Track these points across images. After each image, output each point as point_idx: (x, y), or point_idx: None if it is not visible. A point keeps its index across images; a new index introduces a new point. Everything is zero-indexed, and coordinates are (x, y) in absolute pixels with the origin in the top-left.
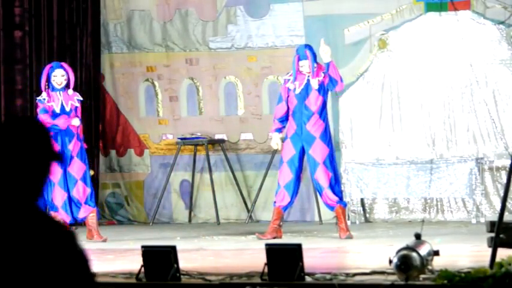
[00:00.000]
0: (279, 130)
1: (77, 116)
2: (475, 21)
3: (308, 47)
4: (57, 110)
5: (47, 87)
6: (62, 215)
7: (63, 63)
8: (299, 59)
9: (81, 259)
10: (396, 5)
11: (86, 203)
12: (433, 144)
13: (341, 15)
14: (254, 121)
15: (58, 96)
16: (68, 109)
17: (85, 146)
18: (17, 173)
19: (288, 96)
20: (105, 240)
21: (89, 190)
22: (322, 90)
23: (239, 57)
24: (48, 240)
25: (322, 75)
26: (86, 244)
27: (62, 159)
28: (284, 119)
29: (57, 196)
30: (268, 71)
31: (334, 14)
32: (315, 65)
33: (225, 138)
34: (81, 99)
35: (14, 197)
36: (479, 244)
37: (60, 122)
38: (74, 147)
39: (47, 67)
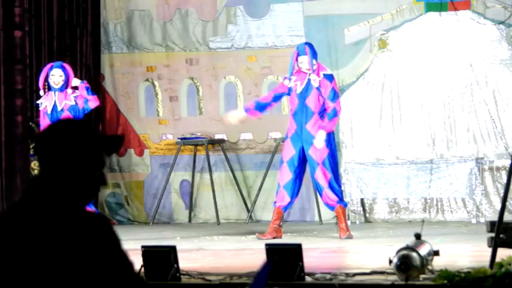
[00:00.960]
0: (247, 110)
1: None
2: (475, 21)
3: (308, 44)
4: (49, 111)
5: (46, 86)
6: None
7: (64, 64)
8: (298, 55)
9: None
10: (396, 5)
11: None
12: (433, 144)
13: (341, 15)
14: (254, 121)
15: (52, 96)
16: (59, 108)
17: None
18: (71, 167)
19: (290, 96)
20: None
21: None
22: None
23: (239, 57)
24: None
25: (322, 75)
26: None
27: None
28: (261, 107)
29: None
30: (268, 71)
31: (334, 14)
32: (315, 62)
33: (225, 138)
34: (82, 82)
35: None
36: (479, 244)
37: None
38: None
39: (47, 66)
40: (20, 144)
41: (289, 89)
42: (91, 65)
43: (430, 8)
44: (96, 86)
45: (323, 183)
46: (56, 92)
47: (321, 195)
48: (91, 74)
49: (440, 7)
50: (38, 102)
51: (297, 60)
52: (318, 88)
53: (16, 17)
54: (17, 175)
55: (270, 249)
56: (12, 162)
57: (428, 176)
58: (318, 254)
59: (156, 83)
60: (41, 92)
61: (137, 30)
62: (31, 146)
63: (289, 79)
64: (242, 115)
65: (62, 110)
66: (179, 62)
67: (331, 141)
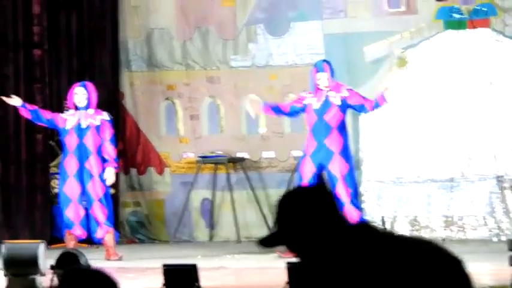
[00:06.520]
0: (266, 104)
1: (100, 136)
2: (494, 39)
3: (326, 61)
4: (69, 126)
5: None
6: (77, 231)
7: (87, 83)
8: (316, 72)
9: None
10: (415, 23)
11: (104, 223)
12: (453, 162)
13: (360, 33)
14: (275, 139)
15: (77, 115)
16: (83, 126)
17: (116, 169)
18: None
19: (308, 113)
20: (120, 258)
21: (106, 211)
22: (344, 107)
23: (260, 75)
24: None
25: (346, 93)
26: (104, 264)
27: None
28: (277, 110)
29: (74, 212)
30: (288, 89)
31: (353, 32)
32: (333, 79)
33: (247, 157)
34: (108, 118)
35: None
36: (500, 262)
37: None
38: (94, 165)
39: (73, 86)
40: (40, 162)
41: (305, 106)
42: (110, 83)
43: (448, 25)
44: (115, 104)
45: (344, 198)
46: (81, 111)
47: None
48: (110, 92)
49: (459, 25)
50: (62, 115)
51: (315, 76)
52: (341, 106)
53: (35, 36)
54: (37, 193)
55: (291, 267)
56: (33, 180)
57: (449, 194)
58: None
59: (176, 101)
60: (71, 111)
61: (157, 48)
62: (51, 164)
63: (306, 96)
64: (260, 105)
65: (88, 127)
66: (199, 81)
67: (351, 158)
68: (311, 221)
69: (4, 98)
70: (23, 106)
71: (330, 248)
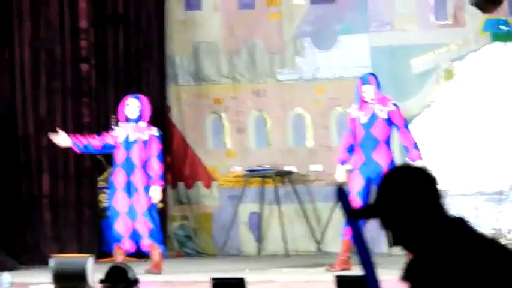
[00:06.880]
0: (344, 162)
1: (147, 151)
2: None
3: (372, 74)
4: (119, 140)
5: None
6: (126, 245)
7: (141, 96)
8: (362, 84)
9: None
10: (462, 35)
11: (146, 237)
12: (501, 175)
13: (407, 46)
14: (323, 152)
15: (127, 127)
16: (131, 139)
17: (162, 187)
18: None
19: (355, 127)
20: (153, 272)
21: (150, 225)
22: (390, 121)
23: (306, 88)
24: None
25: (393, 107)
26: (153, 278)
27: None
28: (350, 149)
29: (123, 226)
30: (335, 102)
31: (400, 44)
32: (379, 92)
33: (294, 170)
34: (157, 134)
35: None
36: None
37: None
38: (139, 179)
39: (125, 97)
40: (88, 177)
41: (353, 120)
42: (158, 97)
43: (496, 38)
44: (162, 118)
45: None
46: (131, 123)
47: None
48: (158, 106)
49: (506, 37)
50: (113, 133)
51: (361, 89)
52: (387, 119)
53: (82, 50)
54: (84, 208)
55: (340, 281)
56: (81, 195)
57: (497, 206)
58: (388, 286)
59: (223, 115)
60: (120, 124)
61: (204, 62)
62: (99, 179)
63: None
64: (345, 168)
65: (135, 141)
66: (246, 94)
67: None
68: (412, 202)
69: (52, 137)
70: (73, 144)
71: (426, 234)
